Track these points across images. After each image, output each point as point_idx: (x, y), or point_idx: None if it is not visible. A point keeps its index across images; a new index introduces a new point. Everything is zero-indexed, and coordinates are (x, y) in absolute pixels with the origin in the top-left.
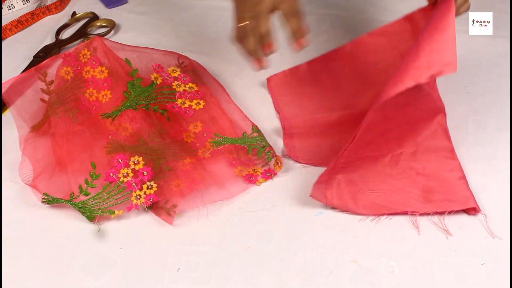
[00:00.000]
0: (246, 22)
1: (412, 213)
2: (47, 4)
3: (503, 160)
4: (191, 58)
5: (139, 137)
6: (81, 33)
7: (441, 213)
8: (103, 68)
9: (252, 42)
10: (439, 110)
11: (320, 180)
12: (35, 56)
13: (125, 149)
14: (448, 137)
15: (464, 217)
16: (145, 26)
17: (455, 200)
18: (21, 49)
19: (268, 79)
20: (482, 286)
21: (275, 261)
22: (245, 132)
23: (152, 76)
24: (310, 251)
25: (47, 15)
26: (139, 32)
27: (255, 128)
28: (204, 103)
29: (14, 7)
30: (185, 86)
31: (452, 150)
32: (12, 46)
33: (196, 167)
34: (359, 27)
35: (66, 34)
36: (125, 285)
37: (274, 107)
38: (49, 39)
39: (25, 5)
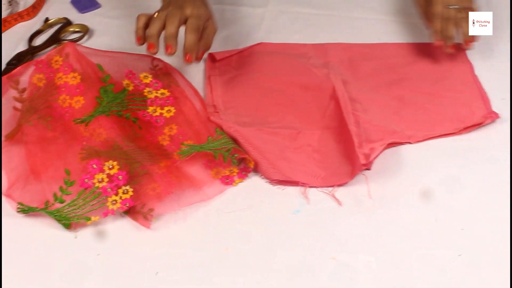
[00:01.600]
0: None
1: (303, 185)
2: (19, 10)
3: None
4: (166, 61)
5: (114, 142)
6: (55, 39)
7: (331, 186)
8: (76, 74)
9: (156, 27)
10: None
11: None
12: (7, 64)
13: (100, 154)
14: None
15: (439, 210)
16: (119, 30)
17: (341, 173)
18: None
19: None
20: (459, 276)
21: (254, 261)
22: (209, 136)
23: (124, 83)
24: (289, 250)
25: (19, 22)
26: (114, 37)
27: (219, 130)
28: (175, 110)
29: None
30: (157, 93)
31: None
32: None
33: (172, 170)
34: (332, 25)
35: (39, 41)
36: None
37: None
38: (22, 46)
39: None
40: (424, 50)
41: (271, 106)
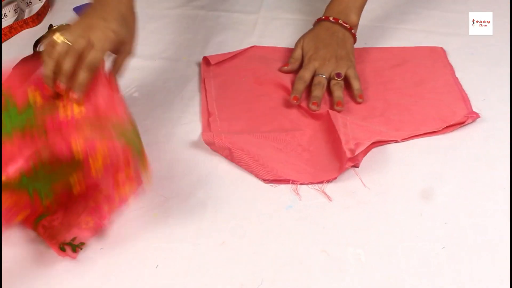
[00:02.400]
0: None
1: (294, 182)
2: (25, 18)
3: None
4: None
5: (21, 175)
6: None
7: (320, 182)
8: None
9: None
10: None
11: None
12: (14, 68)
13: (8, 187)
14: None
15: (423, 205)
16: None
17: (330, 170)
18: None
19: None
20: (443, 267)
21: (249, 254)
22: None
23: (30, 96)
24: (282, 243)
25: (24, 29)
26: None
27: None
28: (85, 110)
29: None
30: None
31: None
32: None
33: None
34: None
35: (43, 46)
36: (107, 282)
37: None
38: (28, 52)
39: (3, 19)
40: (407, 54)
41: (262, 110)
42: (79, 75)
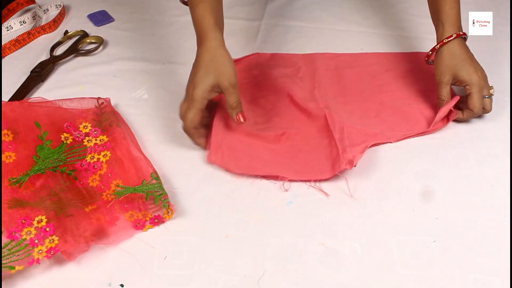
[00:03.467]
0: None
1: (282, 178)
2: (42, 24)
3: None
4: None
5: (41, 196)
6: (73, 49)
7: (308, 180)
8: (9, 132)
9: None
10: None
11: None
12: (31, 71)
13: (24, 205)
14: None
15: (416, 201)
16: (130, 42)
17: (321, 170)
18: (19, 65)
19: None
20: (434, 260)
21: (252, 247)
22: (144, 180)
23: (63, 136)
24: (283, 237)
25: (42, 34)
26: (125, 47)
27: (154, 175)
28: (110, 154)
29: (12, 27)
30: (96, 140)
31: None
32: (11, 63)
33: (94, 212)
34: (320, 36)
35: (59, 51)
36: (118, 273)
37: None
38: (44, 56)
39: (22, 26)
40: (400, 59)
41: (258, 110)
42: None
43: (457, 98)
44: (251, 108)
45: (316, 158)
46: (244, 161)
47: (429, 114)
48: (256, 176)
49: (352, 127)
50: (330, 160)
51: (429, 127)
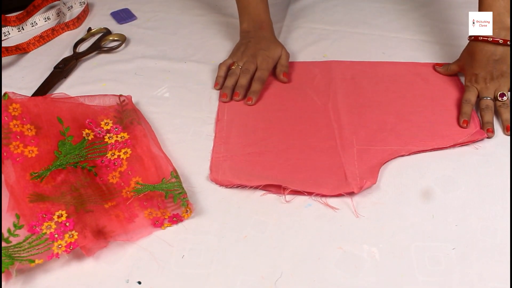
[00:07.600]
0: (234, 67)
1: (284, 190)
2: (66, 21)
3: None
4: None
5: (62, 191)
6: (96, 46)
7: (310, 193)
8: (32, 127)
9: (232, 81)
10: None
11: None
12: (55, 67)
13: (45, 200)
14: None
15: (435, 207)
16: (152, 40)
17: (324, 185)
18: (43, 61)
19: None
20: (453, 267)
21: (269, 248)
22: (164, 178)
23: (84, 132)
24: (300, 239)
25: (65, 31)
26: (147, 45)
27: (174, 173)
28: (131, 152)
29: (36, 24)
30: (117, 137)
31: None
32: (35, 59)
33: (113, 209)
34: (341, 39)
35: (82, 48)
36: (136, 270)
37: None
38: (68, 52)
39: (46, 22)
40: (420, 71)
41: (266, 125)
42: (253, 86)
43: (483, 136)
44: (259, 129)
45: (321, 175)
46: (245, 172)
47: (447, 130)
48: (258, 187)
49: (366, 144)
50: (336, 180)
51: (446, 145)
